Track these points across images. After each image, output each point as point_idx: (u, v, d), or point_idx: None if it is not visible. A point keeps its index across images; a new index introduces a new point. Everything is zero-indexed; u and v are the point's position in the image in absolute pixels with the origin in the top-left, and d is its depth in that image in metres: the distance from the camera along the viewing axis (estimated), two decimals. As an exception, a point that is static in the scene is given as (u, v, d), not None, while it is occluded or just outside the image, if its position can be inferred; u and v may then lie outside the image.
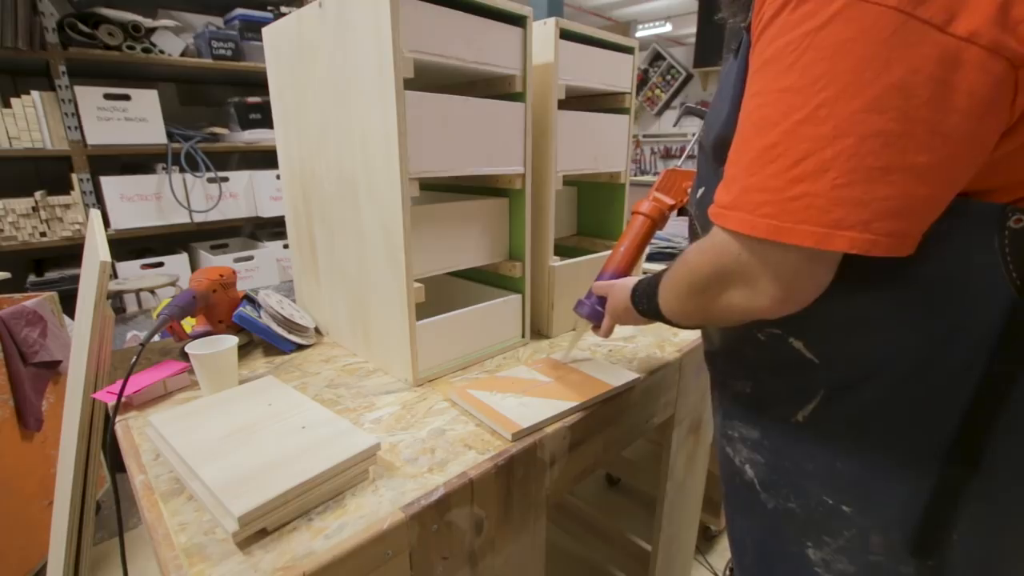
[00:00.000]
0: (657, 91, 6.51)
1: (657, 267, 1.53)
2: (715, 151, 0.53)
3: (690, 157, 2.77)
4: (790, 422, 0.53)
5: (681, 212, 0.84)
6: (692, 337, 1.01)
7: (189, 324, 0.98)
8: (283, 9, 2.39)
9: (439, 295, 1.10)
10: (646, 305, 0.66)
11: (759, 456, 0.58)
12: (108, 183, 1.99)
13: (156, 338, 1.01)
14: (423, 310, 0.81)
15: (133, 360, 0.70)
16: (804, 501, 0.53)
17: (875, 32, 0.35)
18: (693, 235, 0.65)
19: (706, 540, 1.55)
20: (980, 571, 0.48)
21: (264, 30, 0.96)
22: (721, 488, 0.67)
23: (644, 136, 6.76)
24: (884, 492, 0.49)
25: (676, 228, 2.28)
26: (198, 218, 2.21)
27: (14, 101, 1.83)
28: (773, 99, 0.40)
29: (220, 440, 0.61)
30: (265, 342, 0.97)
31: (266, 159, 2.42)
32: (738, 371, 0.60)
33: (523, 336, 0.99)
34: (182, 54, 2.12)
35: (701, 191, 0.60)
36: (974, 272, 0.42)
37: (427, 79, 0.89)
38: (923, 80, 0.35)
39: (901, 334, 0.45)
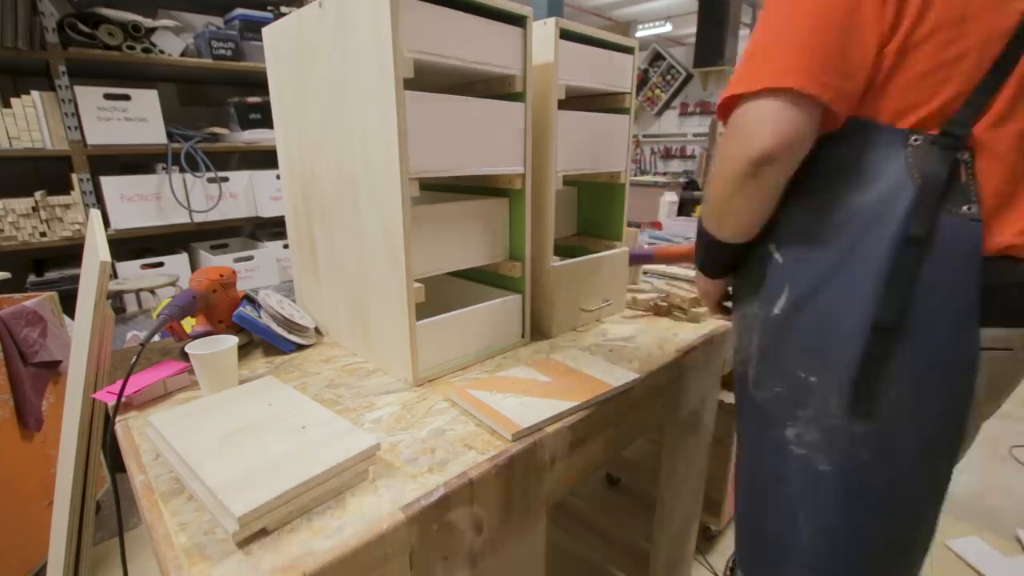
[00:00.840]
0: (657, 91, 6.51)
1: (658, 267, 1.53)
2: None
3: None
4: (772, 314, 0.66)
5: (681, 211, 0.89)
6: (692, 337, 1.01)
7: (189, 324, 0.98)
8: (283, 9, 2.39)
9: (439, 295, 1.10)
10: (700, 250, 0.77)
11: (752, 347, 0.70)
12: (108, 183, 1.99)
13: (156, 338, 1.01)
14: (423, 310, 0.81)
15: (133, 360, 0.70)
16: (787, 382, 0.65)
17: None
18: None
19: (706, 540, 1.55)
20: (914, 430, 0.59)
21: (264, 30, 0.96)
22: (736, 412, 0.78)
23: (644, 136, 6.76)
24: (836, 358, 0.60)
25: (676, 228, 2.28)
26: (198, 218, 2.21)
27: (14, 101, 1.83)
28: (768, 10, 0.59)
29: (220, 440, 0.61)
30: (265, 342, 0.97)
31: (266, 159, 2.42)
32: (745, 288, 0.72)
33: (523, 336, 0.99)
34: (182, 54, 2.12)
35: None
36: (885, 175, 0.57)
37: (427, 79, 0.89)
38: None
39: (836, 225, 0.60)
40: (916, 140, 0.56)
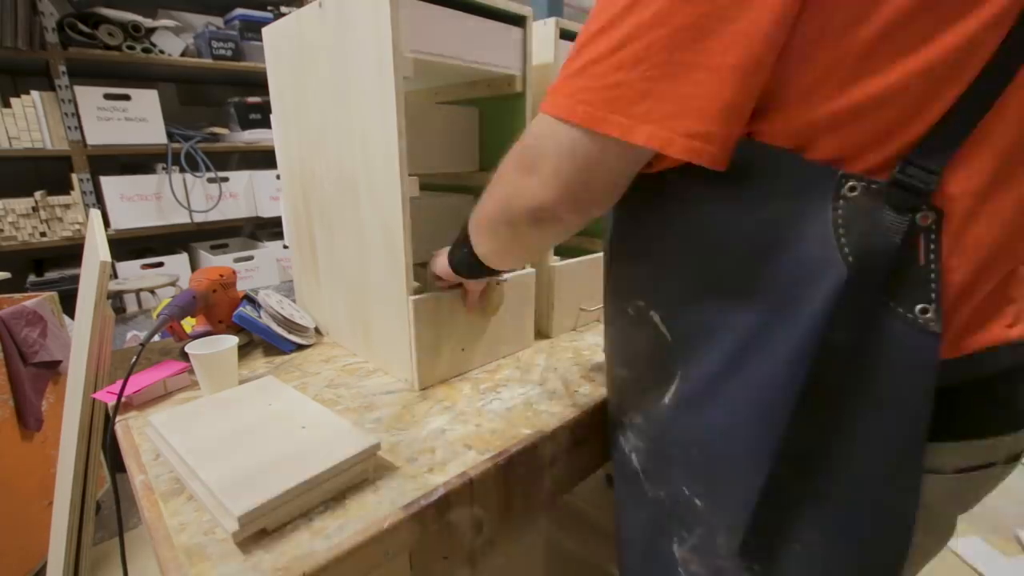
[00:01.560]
0: (657, 91, 6.51)
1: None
2: None
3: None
4: (660, 405, 0.52)
5: None
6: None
7: (189, 324, 0.98)
8: (283, 9, 2.39)
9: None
10: (460, 256, 0.65)
11: (641, 442, 0.58)
12: (108, 183, 1.99)
13: (156, 338, 1.01)
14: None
15: (133, 360, 0.70)
16: (670, 490, 0.53)
17: None
18: None
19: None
20: None
21: (264, 30, 0.96)
22: (615, 483, 0.67)
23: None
24: (728, 486, 0.46)
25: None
26: (198, 218, 2.21)
27: (14, 101, 1.83)
28: None
29: (220, 440, 0.61)
30: (265, 342, 0.97)
31: (266, 159, 2.42)
32: (620, 356, 0.61)
33: (530, 337, 0.99)
34: (182, 54, 2.12)
35: None
36: (808, 244, 0.39)
37: (427, 79, 0.89)
38: None
39: (732, 306, 0.44)
40: (853, 190, 0.38)
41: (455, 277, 0.73)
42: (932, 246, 0.37)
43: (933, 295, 0.37)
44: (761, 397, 0.43)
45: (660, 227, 0.49)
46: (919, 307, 0.38)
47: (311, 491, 0.54)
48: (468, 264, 0.64)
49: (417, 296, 0.77)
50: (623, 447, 0.62)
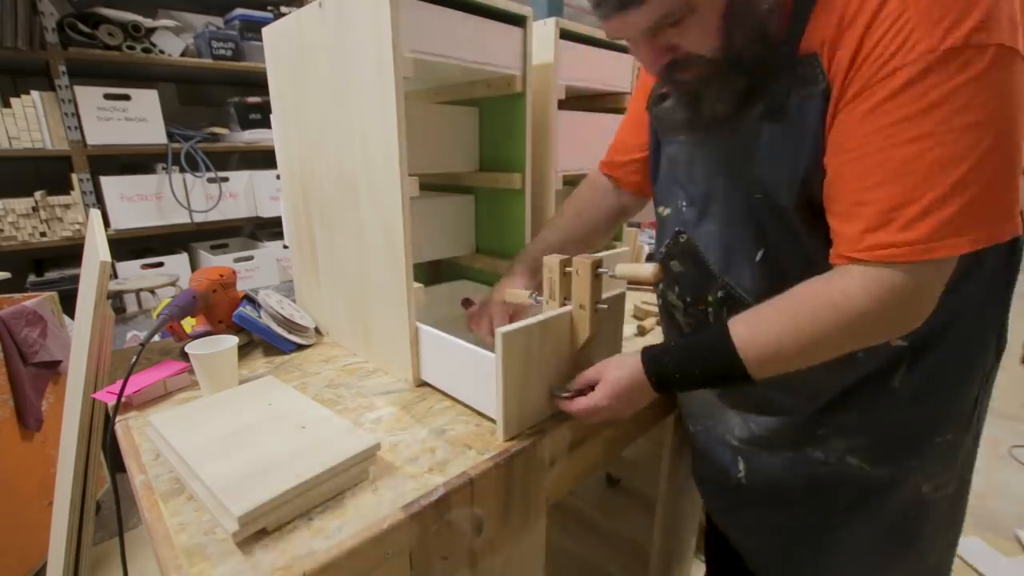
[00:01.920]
0: (657, 91, 6.51)
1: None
2: (800, 208, 0.56)
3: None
4: (886, 389, 0.62)
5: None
6: (692, 337, 1.00)
7: (189, 324, 0.98)
8: (283, 9, 2.39)
9: (444, 295, 1.10)
10: (694, 371, 0.59)
11: (860, 440, 0.65)
12: (108, 183, 1.99)
13: (156, 338, 1.01)
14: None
15: (133, 360, 0.70)
16: (917, 459, 0.64)
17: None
18: (697, 263, 0.67)
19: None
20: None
21: (264, 30, 0.96)
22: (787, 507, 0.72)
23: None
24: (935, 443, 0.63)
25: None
26: (198, 218, 2.21)
27: (14, 101, 1.83)
28: (952, 138, 0.45)
29: (220, 440, 0.61)
30: (265, 342, 0.97)
31: (266, 159, 2.41)
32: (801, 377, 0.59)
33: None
34: (182, 54, 2.12)
35: (760, 252, 0.61)
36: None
37: (427, 79, 0.89)
38: None
39: (968, 297, 0.57)
40: None
41: (648, 401, 0.65)
42: None
43: None
44: (969, 373, 0.64)
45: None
46: None
47: (311, 491, 0.54)
48: (713, 381, 0.60)
49: (507, 328, 0.63)
50: (827, 460, 0.69)
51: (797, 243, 0.58)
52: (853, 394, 0.64)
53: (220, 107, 2.49)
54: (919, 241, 0.47)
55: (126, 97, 1.98)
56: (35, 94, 1.85)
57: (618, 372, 0.63)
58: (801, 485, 0.69)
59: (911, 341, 0.60)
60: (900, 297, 0.49)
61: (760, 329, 0.56)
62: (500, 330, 0.61)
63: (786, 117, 0.54)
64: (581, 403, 0.65)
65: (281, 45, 0.93)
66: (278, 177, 1.11)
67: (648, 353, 0.62)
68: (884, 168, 0.47)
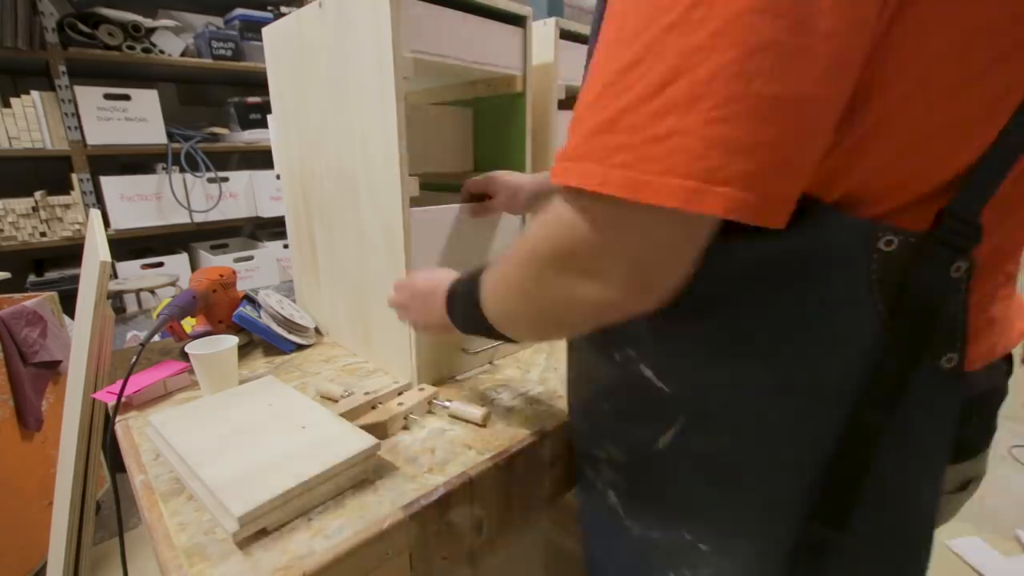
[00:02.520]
0: (657, 91, 6.51)
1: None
2: None
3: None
4: (652, 448, 0.48)
5: None
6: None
7: (189, 324, 0.98)
8: (283, 9, 2.39)
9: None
10: (463, 311, 0.52)
11: (623, 481, 0.53)
12: (108, 183, 1.99)
13: (156, 338, 1.01)
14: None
15: (133, 360, 0.70)
16: (665, 532, 0.49)
17: None
18: None
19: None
20: None
21: (264, 30, 0.96)
22: (578, 509, 0.63)
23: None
24: (743, 540, 0.44)
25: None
26: (198, 218, 2.21)
27: (14, 101, 1.83)
28: (633, 7, 0.30)
29: (220, 440, 0.61)
30: (265, 342, 0.97)
31: (266, 159, 2.42)
32: (599, 393, 0.54)
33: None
34: (182, 54, 2.12)
35: None
36: (833, 303, 0.36)
37: (427, 79, 0.89)
38: None
39: (753, 368, 0.40)
40: (890, 243, 0.34)
41: (445, 328, 0.57)
42: (960, 296, 0.36)
43: (959, 343, 0.36)
44: (783, 451, 0.41)
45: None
46: (945, 357, 0.37)
47: (311, 491, 0.54)
48: (476, 326, 0.51)
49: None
50: (593, 480, 0.58)
51: None
52: None
53: (220, 107, 2.50)
54: (563, 157, 0.34)
55: (126, 97, 1.98)
56: (35, 94, 1.85)
57: (426, 273, 0.62)
58: None
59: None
60: (567, 237, 0.35)
61: (491, 281, 0.47)
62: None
63: None
64: (391, 297, 0.67)
65: (281, 45, 0.93)
66: (278, 177, 1.11)
67: (454, 283, 0.55)
68: (593, 55, 0.34)
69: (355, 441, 0.59)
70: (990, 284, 0.39)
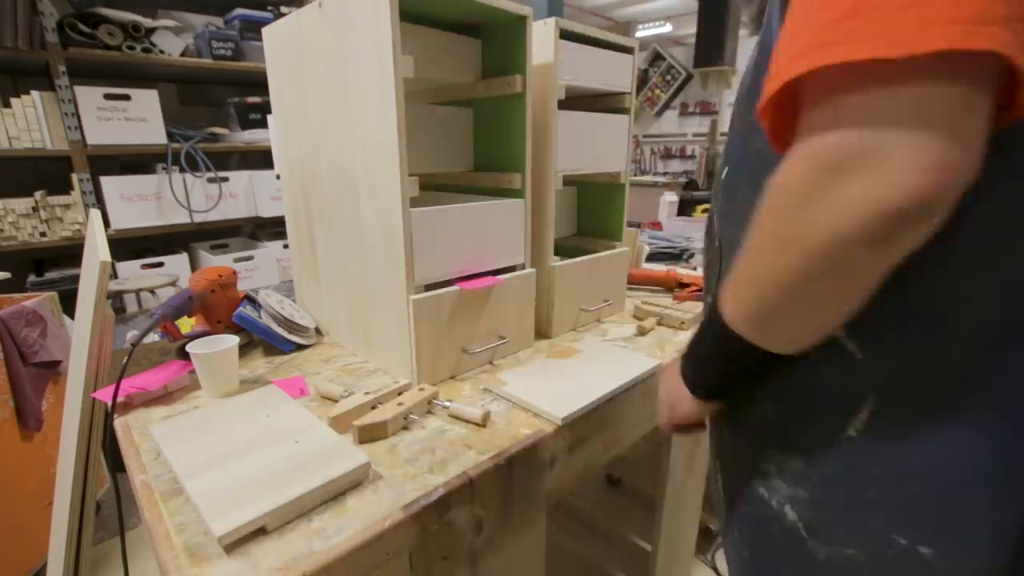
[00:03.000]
0: (657, 91, 6.52)
1: (658, 267, 1.53)
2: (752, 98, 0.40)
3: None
4: (840, 439, 0.41)
5: (680, 212, 0.83)
6: (692, 337, 1.00)
7: (189, 324, 0.98)
8: (283, 9, 2.39)
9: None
10: (702, 349, 0.49)
11: (803, 491, 0.44)
12: (108, 183, 1.99)
13: (156, 338, 1.01)
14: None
15: (124, 361, 0.70)
16: (867, 543, 0.41)
17: None
18: (711, 236, 0.53)
19: (706, 540, 1.55)
20: None
21: (264, 30, 0.96)
22: (736, 536, 0.53)
23: (644, 136, 6.76)
24: (977, 523, 0.37)
25: (676, 228, 2.28)
26: (198, 218, 2.21)
27: (14, 101, 1.83)
28: None
29: (214, 454, 0.61)
30: (265, 342, 0.97)
31: (266, 159, 2.42)
32: (752, 391, 0.48)
33: (529, 337, 0.99)
34: (182, 54, 2.12)
35: (727, 170, 0.49)
36: None
37: (424, 80, 0.89)
38: None
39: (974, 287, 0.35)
40: None
41: (690, 410, 0.53)
42: None
43: None
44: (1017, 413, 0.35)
45: None
46: None
47: (300, 500, 0.54)
48: (719, 362, 0.46)
49: (417, 296, 0.77)
50: (768, 500, 0.47)
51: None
52: None
53: (220, 107, 2.49)
54: (795, 55, 0.31)
55: (126, 97, 1.98)
56: (35, 94, 1.85)
57: (666, 371, 0.58)
58: None
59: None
60: (824, 145, 0.31)
61: (732, 277, 0.41)
62: (412, 297, 0.74)
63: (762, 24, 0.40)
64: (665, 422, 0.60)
65: (281, 45, 0.93)
66: (278, 177, 1.11)
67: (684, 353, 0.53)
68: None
69: (345, 459, 0.59)
70: None
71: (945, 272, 0.35)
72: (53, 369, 1.43)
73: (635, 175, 6.08)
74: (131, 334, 1.67)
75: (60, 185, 1.98)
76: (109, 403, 0.70)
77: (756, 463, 0.48)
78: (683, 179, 5.22)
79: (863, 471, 0.41)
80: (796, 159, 0.33)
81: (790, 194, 0.33)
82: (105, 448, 0.78)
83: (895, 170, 0.29)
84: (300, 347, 0.98)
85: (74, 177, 1.95)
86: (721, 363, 0.47)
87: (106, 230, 1.87)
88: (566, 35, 0.93)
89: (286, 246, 2.35)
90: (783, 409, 0.46)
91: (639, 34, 6.64)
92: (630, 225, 1.26)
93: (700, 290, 1.24)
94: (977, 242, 0.34)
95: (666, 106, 6.53)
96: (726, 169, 0.50)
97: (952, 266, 0.35)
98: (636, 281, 1.34)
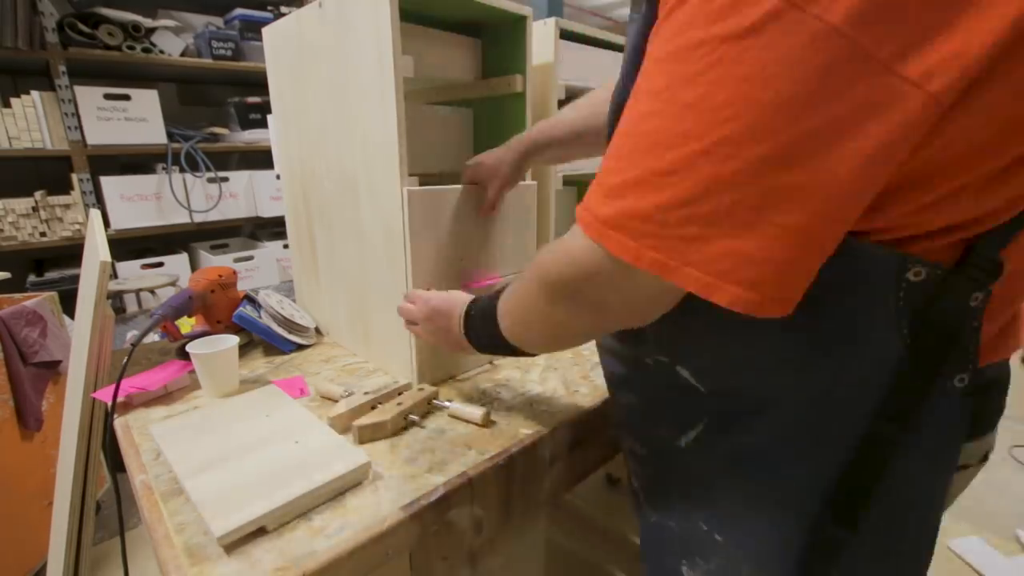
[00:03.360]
0: (657, 91, 6.51)
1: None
2: (613, 123, 0.45)
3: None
4: (674, 445, 0.51)
5: None
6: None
7: (189, 324, 0.98)
8: (283, 9, 2.39)
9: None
10: (482, 331, 0.60)
11: (644, 471, 0.58)
12: (108, 183, 1.99)
13: (155, 338, 1.01)
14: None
15: (124, 361, 0.70)
16: (681, 522, 0.52)
17: (806, 59, 0.28)
18: None
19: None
20: None
21: (264, 30, 0.96)
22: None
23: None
24: (758, 533, 0.47)
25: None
26: (198, 218, 2.21)
27: (14, 101, 1.83)
28: (672, 112, 0.33)
29: (214, 454, 0.61)
30: (265, 342, 0.97)
31: (266, 159, 2.42)
32: (626, 385, 0.58)
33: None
34: (182, 54, 2.12)
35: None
36: (863, 326, 0.40)
37: (428, 78, 0.89)
38: (848, 126, 0.29)
39: (786, 378, 0.43)
40: (918, 274, 0.37)
41: (459, 347, 0.65)
42: (976, 323, 0.38)
43: (970, 365, 0.39)
44: (807, 452, 0.43)
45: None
46: (958, 377, 0.40)
47: (302, 499, 0.54)
48: (494, 343, 0.59)
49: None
50: (627, 462, 0.62)
51: None
52: None
53: (220, 107, 2.49)
54: (602, 218, 0.37)
55: (126, 97, 1.98)
56: (35, 94, 1.85)
57: (442, 295, 0.67)
58: None
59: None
60: (586, 274, 0.41)
61: (513, 286, 0.54)
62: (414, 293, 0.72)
63: (642, 12, 0.42)
64: (403, 306, 0.71)
65: (281, 45, 0.93)
66: (278, 177, 1.11)
67: (471, 305, 0.62)
68: (627, 118, 0.37)
69: (345, 459, 0.59)
70: (1000, 304, 0.41)
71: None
72: (53, 369, 1.43)
73: (635, 175, 6.06)
74: (131, 334, 1.67)
75: (60, 185, 1.98)
76: (109, 403, 0.70)
77: (619, 435, 0.63)
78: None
79: (686, 469, 0.52)
80: (559, 262, 0.43)
81: (551, 290, 0.46)
82: (105, 448, 0.78)
83: (610, 315, 0.44)
84: (300, 347, 0.98)
85: (74, 177, 1.95)
86: (495, 349, 0.60)
87: (106, 230, 1.87)
88: (566, 35, 0.93)
89: (286, 246, 2.35)
90: (637, 404, 0.57)
91: (639, 34, 6.62)
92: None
93: None
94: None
95: (666, 106, 6.52)
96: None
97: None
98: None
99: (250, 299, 0.98)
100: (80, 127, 1.92)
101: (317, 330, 1.06)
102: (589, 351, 0.95)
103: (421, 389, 0.75)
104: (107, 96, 1.94)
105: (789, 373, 0.43)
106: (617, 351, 0.58)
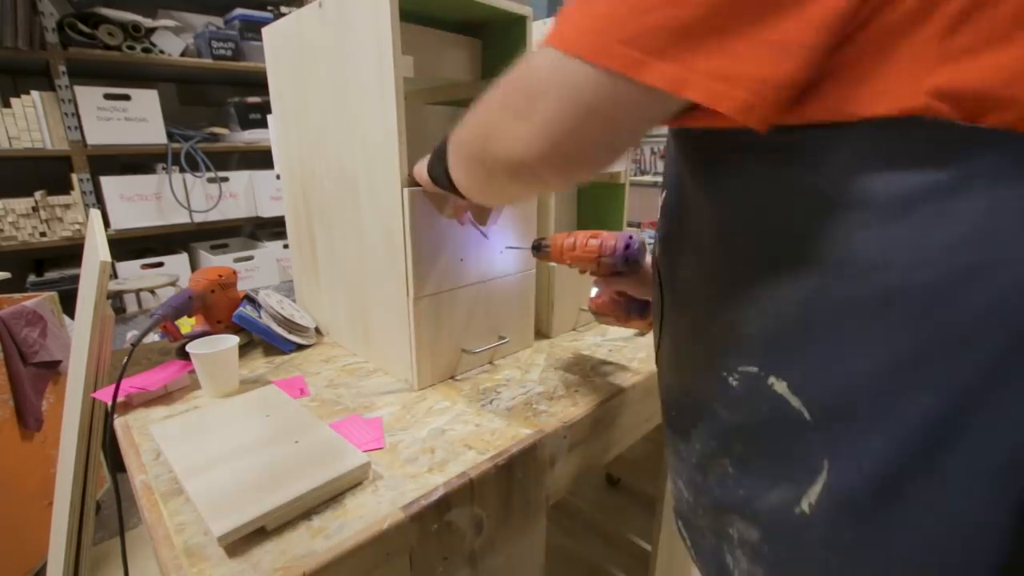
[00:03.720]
0: (657, 91, 6.51)
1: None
2: None
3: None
4: (793, 514, 0.35)
5: None
6: (692, 337, 1.00)
7: (189, 324, 0.98)
8: (283, 9, 2.39)
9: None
10: (438, 164, 0.57)
11: (759, 569, 0.39)
12: (108, 183, 1.99)
13: (155, 338, 1.01)
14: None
15: (124, 361, 0.70)
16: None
17: None
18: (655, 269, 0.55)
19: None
20: None
21: (264, 30, 0.96)
22: None
23: (644, 136, 6.76)
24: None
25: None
26: (198, 218, 2.21)
27: (14, 101, 1.83)
28: None
29: (214, 454, 0.61)
30: (265, 342, 0.97)
31: (266, 159, 2.42)
32: (712, 441, 0.42)
33: (530, 337, 0.99)
34: (182, 54, 2.12)
35: (664, 194, 0.52)
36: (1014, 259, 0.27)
37: (428, 78, 0.89)
38: None
39: (913, 373, 0.30)
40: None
41: (434, 188, 0.64)
42: None
43: None
44: (969, 501, 0.30)
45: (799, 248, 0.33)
46: None
47: (301, 499, 0.54)
48: (447, 186, 0.57)
49: (418, 296, 0.77)
50: (732, 570, 0.43)
51: None
52: None
53: (220, 107, 2.50)
54: (554, 35, 0.34)
55: (126, 97, 1.99)
56: (35, 94, 1.85)
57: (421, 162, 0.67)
58: None
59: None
60: (520, 70, 0.37)
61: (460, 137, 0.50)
62: (412, 298, 0.73)
63: None
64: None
65: (281, 45, 0.93)
66: (278, 177, 1.11)
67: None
68: None
69: (345, 459, 0.59)
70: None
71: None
72: (53, 369, 1.43)
73: (635, 175, 6.08)
74: (131, 334, 1.67)
75: (60, 185, 1.98)
76: (109, 403, 0.70)
77: (718, 526, 0.44)
78: (683, 179, 5.19)
79: (817, 552, 0.36)
80: (512, 69, 0.38)
81: (494, 93, 0.41)
82: (105, 448, 0.78)
83: (530, 124, 0.36)
84: (300, 347, 0.98)
85: (74, 177, 1.95)
86: (449, 187, 0.57)
87: (106, 230, 1.87)
88: (566, 35, 0.93)
89: (286, 246, 2.36)
90: (735, 467, 0.43)
91: (639, 34, 6.63)
92: (630, 225, 1.26)
93: None
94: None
95: (666, 106, 6.52)
96: (664, 193, 0.52)
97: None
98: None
99: (250, 299, 0.98)
100: (80, 127, 1.92)
101: (317, 330, 1.06)
102: (589, 351, 0.95)
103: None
104: (107, 96, 1.94)
105: (916, 357, 0.30)
106: (688, 377, 0.45)
